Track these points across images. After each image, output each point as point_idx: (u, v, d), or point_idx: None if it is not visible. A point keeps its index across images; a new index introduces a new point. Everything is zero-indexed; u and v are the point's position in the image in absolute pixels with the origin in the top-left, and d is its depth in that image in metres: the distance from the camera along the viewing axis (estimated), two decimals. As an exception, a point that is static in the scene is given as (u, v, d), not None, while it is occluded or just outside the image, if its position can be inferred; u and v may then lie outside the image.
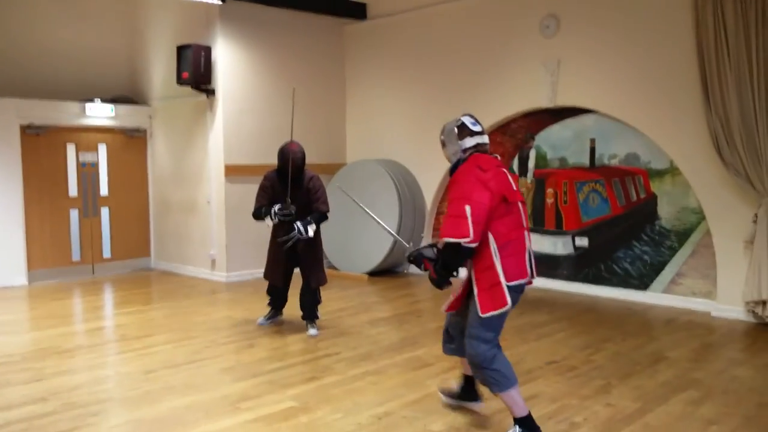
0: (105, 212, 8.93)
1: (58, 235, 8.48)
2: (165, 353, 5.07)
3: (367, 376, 4.50)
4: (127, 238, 9.13)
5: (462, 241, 3.16)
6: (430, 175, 8.39)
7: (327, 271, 8.57)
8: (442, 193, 8.42)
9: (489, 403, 3.83)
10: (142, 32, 9.24)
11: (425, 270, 3.50)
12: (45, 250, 8.34)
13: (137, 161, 9.22)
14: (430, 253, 3.47)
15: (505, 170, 3.37)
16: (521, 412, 3.36)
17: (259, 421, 3.70)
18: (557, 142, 7.47)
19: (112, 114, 8.79)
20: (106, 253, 8.96)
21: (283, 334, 5.61)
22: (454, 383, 3.99)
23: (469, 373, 3.71)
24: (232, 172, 8.18)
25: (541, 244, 7.59)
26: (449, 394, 3.90)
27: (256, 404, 3.96)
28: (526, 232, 3.38)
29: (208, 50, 7.94)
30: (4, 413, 3.84)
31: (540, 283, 7.50)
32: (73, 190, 8.61)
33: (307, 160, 9.04)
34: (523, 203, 3.44)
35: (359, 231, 8.33)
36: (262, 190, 5.57)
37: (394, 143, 8.85)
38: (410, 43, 8.57)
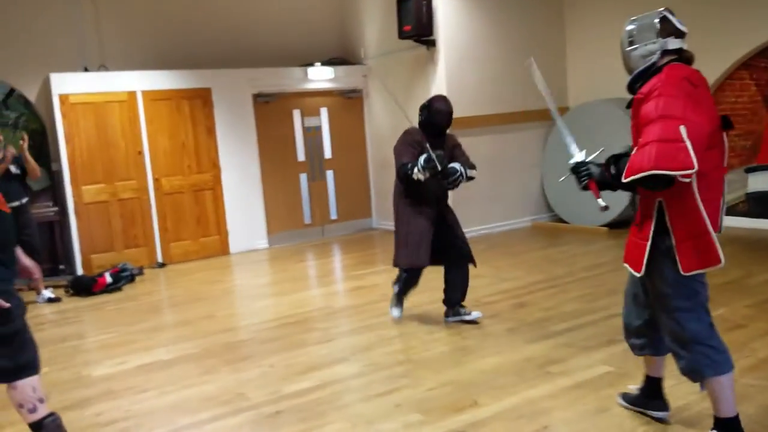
0: (329, 175, 9.13)
1: (291, 199, 8.81)
2: (437, 313, 4.95)
3: (675, 337, 4.04)
4: (350, 199, 9.29)
5: (680, 173, 2.38)
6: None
7: (555, 225, 8.09)
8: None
9: None
10: (351, -10, 9.21)
11: (584, 189, 2.83)
12: (281, 214, 8.71)
13: (355, 122, 9.30)
14: (599, 174, 2.80)
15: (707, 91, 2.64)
16: (728, 411, 2.62)
17: (583, 387, 3.42)
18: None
19: (333, 76, 8.88)
20: (333, 214, 9.19)
21: (548, 294, 5.30)
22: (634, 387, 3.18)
23: (656, 374, 2.98)
24: (458, 124, 7.85)
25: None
26: (628, 399, 3.14)
27: (566, 368, 3.69)
28: (725, 174, 2.67)
29: (429, 0, 7.67)
30: (317, 372, 3.91)
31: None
32: (300, 155, 8.88)
33: (528, 106, 8.75)
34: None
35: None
36: (408, 146, 4.60)
37: (624, 81, 8.04)
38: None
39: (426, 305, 5.16)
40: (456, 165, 4.54)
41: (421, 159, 4.38)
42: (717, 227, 2.60)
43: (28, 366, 2.73)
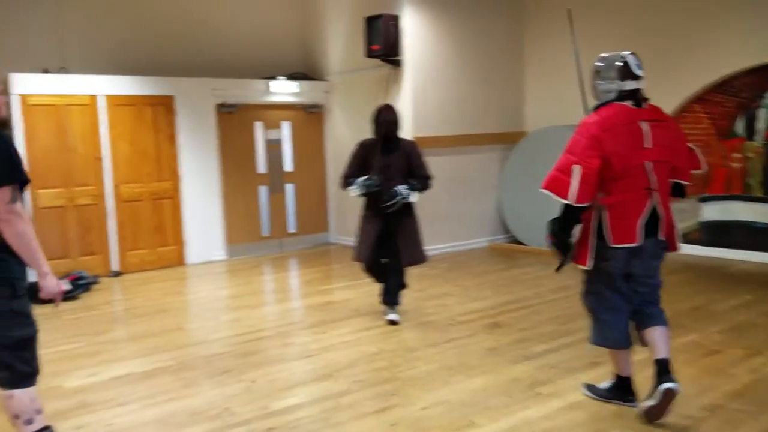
0: (289, 188, 9.01)
1: (250, 211, 8.64)
2: (415, 330, 4.96)
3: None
4: (308, 213, 9.20)
5: (554, 197, 3.13)
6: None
7: (513, 246, 8.30)
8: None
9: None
10: (317, 7, 9.19)
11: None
12: (239, 226, 8.52)
13: (316, 137, 9.24)
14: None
15: (644, 125, 3.14)
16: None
17: (577, 409, 3.46)
18: (793, 101, 6.72)
19: (296, 90, 8.81)
20: (291, 228, 9.06)
21: (521, 315, 5.37)
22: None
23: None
24: (421, 144, 7.92)
25: (772, 213, 6.92)
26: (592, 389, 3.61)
27: (556, 390, 3.73)
28: (652, 193, 3.15)
29: (396, 20, 7.76)
30: (302, 389, 3.83)
31: (769, 258, 6.88)
32: (261, 167, 8.73)
33: (484, 130, 8.93)
34: (660, 163, 3.16)
35: (547, 200, 7.84)
36: (353, 158, 5.13)
37: (578, 110, 8.27)
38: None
39: (402, 323, 5.13)
40: (401, 188, 4.96)
41: (361, 179, 4.97)
42: (634, 239, 3.14)
43: (32, 374, 2.58)
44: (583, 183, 3.05)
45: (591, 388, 3.64)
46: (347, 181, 5.09)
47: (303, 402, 3.63)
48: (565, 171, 3.10)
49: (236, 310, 5.77)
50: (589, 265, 3.24)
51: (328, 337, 4.86)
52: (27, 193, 6.69)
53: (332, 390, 3.80)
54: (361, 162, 5.08)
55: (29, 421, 2.56)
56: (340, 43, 8.90)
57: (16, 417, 2.56)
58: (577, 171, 3.05)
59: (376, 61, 8.01)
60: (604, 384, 3.60)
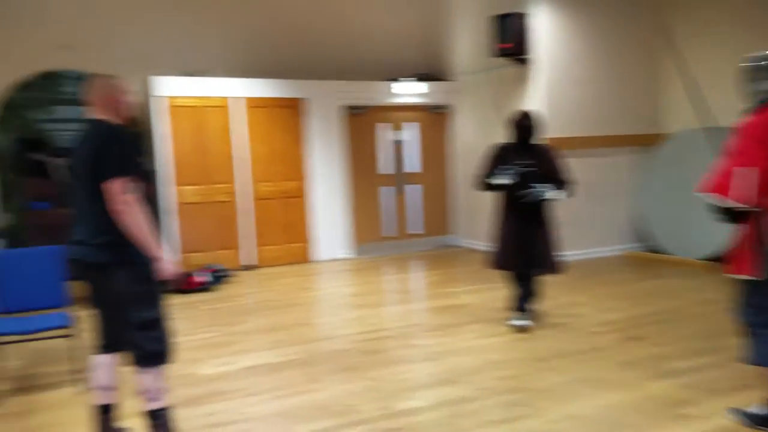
0: (413, 189, 9.03)
1: (375, 212, 8.76)
2: (544, 339, 4.76)
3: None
4: (433, 214, 9.18)
5: (729, 204, 2.92)
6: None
7: (650, 255, 7.73)
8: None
9: None
10: (441, 8, 9.13)
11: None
12: (364, 226, 8.66)
13: (442, 138, 9.20)
14: None
15: None
16: None
17: (725, 435, 3.15)
18: None
19: (424, 91, 8.81)
20: (415, 229, 9.07)
21: (660, 329, 5.00)
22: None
23: None
24: (558, 145, 7.67)
25: None
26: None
27: (697, 412, 3.42)
28: None
29: (523, 17, 7.55)
30: (426, 392, 3.78)
31: None
32: (387, 168, 8.81)
33: (617, 131, 8.45)
34: None
35: (697, 206, 7.24)
36: (490, 159, 4.96)
37: (721, 110, 7.54)
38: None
39: (525, 329, 4.95)
40: (540, 186, 4.84)
41: (503, 168, 4.85)
42: None
43: (162, 354, 2.71)
44: (753, 186, 2.88)
45: (738, 412, 3.30)
46: (485, 178, 4.96)
47: (426, 405, 3.57)
48: (729, 174, 2.93)
49: (360, 308, 5.84)
50: (758, 275, 2.97)
51: (451, 341, 4.77)
52: (173, 189, 7.19)
53: (456, 395, 3.71)
54: (498, 164, 4.94)
55: (153, 399, 2.71)
56: (465, 42, 8.80)
57: (142, 393, 2.71)
58: (743, 173, 2.89)
59: (502, 60, 7.84)
60: (754, 409, 3.26)
